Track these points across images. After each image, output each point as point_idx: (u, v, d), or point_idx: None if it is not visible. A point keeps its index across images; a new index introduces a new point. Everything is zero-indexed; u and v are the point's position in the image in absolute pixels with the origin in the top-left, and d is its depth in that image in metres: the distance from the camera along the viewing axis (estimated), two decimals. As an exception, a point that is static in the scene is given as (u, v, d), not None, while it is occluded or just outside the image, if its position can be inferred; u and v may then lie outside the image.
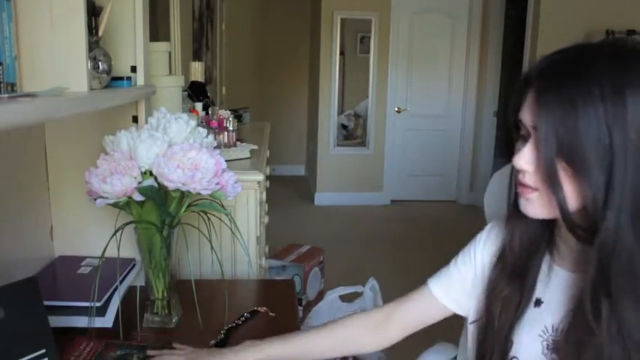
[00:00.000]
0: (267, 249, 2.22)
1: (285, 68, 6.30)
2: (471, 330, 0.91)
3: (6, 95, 0.76)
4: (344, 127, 5.46)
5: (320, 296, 2.86)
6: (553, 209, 0.71)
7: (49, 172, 1.23)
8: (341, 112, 5.39)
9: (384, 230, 4.53)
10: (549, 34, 4.17)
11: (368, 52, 5.10)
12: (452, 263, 0.94)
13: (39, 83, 0.86)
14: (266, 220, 2.05)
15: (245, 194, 1.61)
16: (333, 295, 2.31)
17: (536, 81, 0.70)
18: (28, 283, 0.83)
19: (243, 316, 1.13)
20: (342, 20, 5.02)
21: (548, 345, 0.78)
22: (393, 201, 5.30)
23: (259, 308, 1.17)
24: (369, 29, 5.03)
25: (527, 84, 0.72)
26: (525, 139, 0.72)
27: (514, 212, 0.80)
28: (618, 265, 0.67)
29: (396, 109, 5.18)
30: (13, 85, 0.80)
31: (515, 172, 0.76)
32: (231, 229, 1.07)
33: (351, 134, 5.50)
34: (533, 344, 0.79)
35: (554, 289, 0.80)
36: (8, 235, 1.06)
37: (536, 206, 0.73)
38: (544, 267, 0.82)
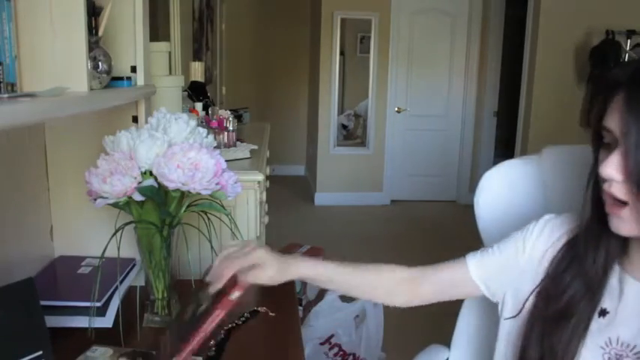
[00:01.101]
0: (267, 249, 2.22)
1: (285, 68, 6.30)
2: (507, 326, 0.87)
3: (6, 95, 0.76)
4: (344, 127, 5.46)
5: (320, 296, 2.86)
6: None
7: (49, 172, 1.23)
8: (341, 112, 5.39)
9: (384, 230, 4.53)
10: (549, 34, 4.17)
11: (368, 52, 5.10)
12: (494, 246, 0.90)
13: (39, 83, 0.86)
14: (266, 220, 2.05)
15: (245, 194, 1.61)
16: (333, 295, 2.31)
17: (627, 85, 0.67)
18: (26, 284, 0.83)
19: (243, 316, 1.13)
20: (342, 20, 5.02)
21: (610, 358, 0.75)
22: (393, 201, 5.30)
23: (259, 308, 1.16)
24: (369, 29, 5.03)
25: (614, 89, 0.69)
26: (610, 148, 0.69)
27: (594, 228, 0.76)
28: None
29: (396, 109, 5.18)
30: (13, 85, 0.80)
31: (600, 183, 0.72)
32: (231, 229, 1.07)
33: (351, 134, 5.50)
34: (593, 356, 0.76)
35: (625, 299, 0.76)
36: (8, 235, 1.06)
37: (630, 223, 0.69)
38: (613, 276, 0.78)
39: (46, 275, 1.18)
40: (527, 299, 0.84)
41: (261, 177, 1.69)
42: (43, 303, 0.85)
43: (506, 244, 0.89)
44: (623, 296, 0.76)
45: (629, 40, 4.09)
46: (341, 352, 2.19)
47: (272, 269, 0.86)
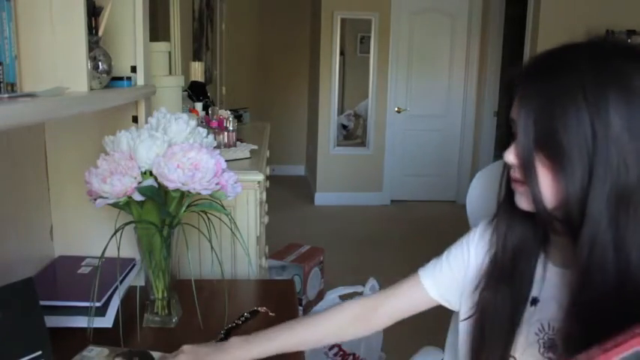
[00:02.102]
0: (267, 249, 2.22)
1: (285, 68, 6.30)
2: (462, 328, 0.90)
3: (6, 95, 0.76)
4: (344, 127, 5.46)
5: (320, 296, 2.87)
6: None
7: (49, 172, 1.23)
8: (341, 112, 5.39)
9: (384, 230, 4.53)
10: (549, 34, 4.17)
11: (368, 52, 5.10)
12: (444, 256, 0.94)
13: (39, 83, 0.86)
14: (266, 220, 2.05)
15: (245, 194, 1.61)
16: (333, 295, 2.31)
17: (521, 77, 0.72)
18: (25, 284, 0.83)
19: (243, 316, 1.13)
20: (342, 20, 5.02)
21: (544, 344, 0.78)
22: (392, 201, 5.30)
23: (259, 308, 1.16)
24: (369, 29, 5.03)
25: (516, 83, 0.74)
26: (514, 137, 0.74)
27: (504, 210, 0.81)
28: (600, 261, 0.67)
29: (396, 109, 5.18)
30: (13, 85, 0.80)
31: (507, 169, 0.77)
32: (231, 229, 1.07)
33: (351, 134, 5.50)
34: (530, 344, 0.79)
35: (548, 287, 0.80)
36: (8, 235, 1.06)
37: (526, 199, 0.73)
38: (539, 265, 0.82)
39: (46, 275, 1.18)
40: (476, 301, 0.86)
41: (261, 177, 1.69)
42: (42, 303, 0.85)
43: (455, 255, 0.93)
44: (545, 283, 0.80)
45: (629, 40, 4.09)
46: (341, 352, 2.19)
47: (186, 357, 0.89)
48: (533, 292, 0.81)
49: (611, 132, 0.65)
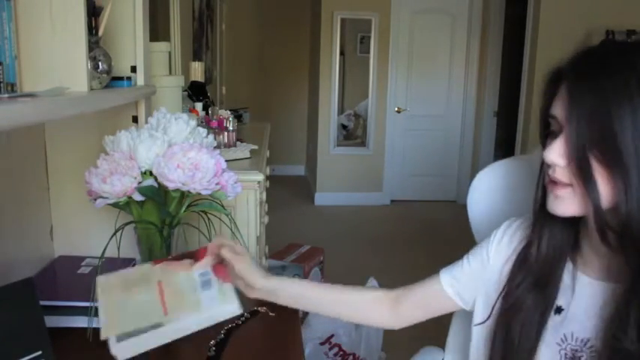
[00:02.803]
0: (267, 249, 2.22)
1: (285, 68, 6.30)
2: (478, 333, 0.88)
3: (6, 95, 0.76)
4: (344, 127, 5.46)
5: (320, 296, 2.86)
6: (584, 206, 0.68)
7: (49, 172, 1.23)
8: (341, 112, 5.39)
9: (384, 230, 4.53)
10: (549, 34, 4.17)
11: (368, 52, 5.11)
12: (465, 256, 0.92)
13: (39, 83, 0.86)
14: (266, 220, 2.05)
15: (245, 194, 1.61)
16: (333, 295, 2.31)
17: (569, 73, 0.69)
18: (25, 285, 0.83)
19: (243, 316, 1.12)
20: (342, 20, 5.02)
21: (566, 354, 0.76)
22: (393, 201, 5.30)
23: (259, 308, 1.16)
24: (369, 29, 5.03)
25: (558, 78, 0.71)
26: (556, 135, 0.71)
27: (542, 214, 0.78)
28: None
29: (396, 109, 5.18)
30: (13, 85, 0.80)
31: (545, 169, 0.73)
32: (231, 229, 1.07)
33: (351, 134, 5.50)
34: (550, 353, 0.78)
35: (578, 297, 0.78)
36: (8, 235, 1.06)
37: (567, 204, 0.70)
38: (566, 273, 0.80)
39: (46, 275, 1.18)
40: (494, 305, 0.85)
41: (261, 177, 1.69)
42: (42, 303, 0.85)
43: (475, 255, 0.91)
44: (575, 294, 0.78)
45: (629, 40, 4.09)
46: (341, 352, 2.19)
47: (246, 262, 0.90)
48: (559, 302, 0.79)
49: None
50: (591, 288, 0.77)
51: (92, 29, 0.98)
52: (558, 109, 0.70)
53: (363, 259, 3.75)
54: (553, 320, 0.79)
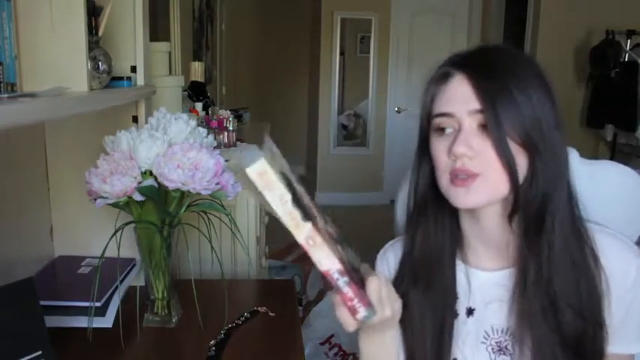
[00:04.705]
0: (267, 249, 2.22)
1: (285, 68, 6.29)
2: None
3: (6, 95, 0.76)
4: (344, 127, 5.46)
5: (320, 296, 2.86)
6: (494, 193, 0.71)
7: (49, 172, 1.23)
8: (341, 112, 5.39)
9: (384, 230, 4.52)
10: (549, 34, 4.17)
11: (368, 52, 5.10)
12: None
13: (39, 83, 0.86)
14: (266, 220, 2.05)
15: (245, 194, 1.61)
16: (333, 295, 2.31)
17: (465, 72, 0.72)
18: (25, 284, 0.83)
19: (243, 316, 1.13)
20: (342, 20, 5.02)
21: (493, 349, 0.78)
22: (393, 201, 5.28)
23: (259, 308, 1.16)
24: (369, 29, 5.03)
25: (446, 76, 0.74)
26: (444, 132, 0.73)
27: (418, 215, 0.81)
28: (556, 249, 0.71)
29: (396, 109, 5.18)
30: (13, 85, 0.80)
31: (441, 170, 0.74)
32: (231, 229, 1.07)
33: (351, 134, 5.50)
34: (478, 353, 0.79)
35: (479, 292, 0.80)
36: (8, 235, 1.06)
37: (479, 193, 0.71)
38: (460, 274, 0.81)
39: (46, 275, 1.18)
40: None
41: (261, 177, 1.69)
42: (42, 303, 0.85)
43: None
44: (476, 290, 0.80)
45: (629, 40, 4.09)
46: (341, 352, 2.19)
47: (389, 312, 0.74)
48: (467, 304, 0.81)
49: (549, 124, 0.71)
50: (489, 280, 0.79)
51: (92, 29, 0.98)
52: (455, 105, 0.72)
53: (363, 259, 3.74)
54: (468, 322, 0.80)
